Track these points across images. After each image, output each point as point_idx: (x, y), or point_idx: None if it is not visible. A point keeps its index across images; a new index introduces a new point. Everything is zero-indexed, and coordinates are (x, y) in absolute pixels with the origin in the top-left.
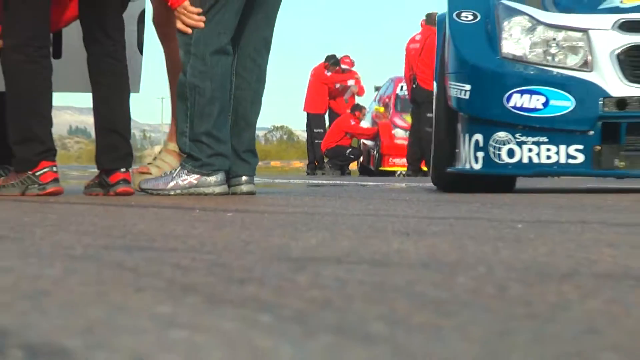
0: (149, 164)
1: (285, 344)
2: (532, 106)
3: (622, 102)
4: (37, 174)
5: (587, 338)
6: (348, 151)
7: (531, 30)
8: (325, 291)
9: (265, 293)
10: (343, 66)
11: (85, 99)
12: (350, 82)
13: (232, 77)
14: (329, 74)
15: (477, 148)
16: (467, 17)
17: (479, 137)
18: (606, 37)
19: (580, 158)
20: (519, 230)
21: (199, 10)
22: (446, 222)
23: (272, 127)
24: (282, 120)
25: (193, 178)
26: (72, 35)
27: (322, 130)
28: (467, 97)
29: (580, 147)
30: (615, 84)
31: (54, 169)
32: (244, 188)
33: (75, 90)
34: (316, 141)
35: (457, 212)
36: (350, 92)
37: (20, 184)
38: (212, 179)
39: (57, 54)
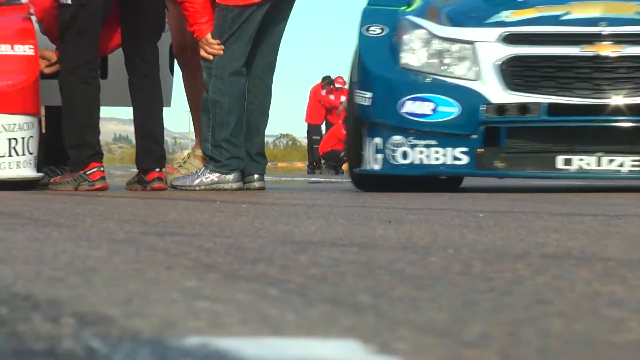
0: (179, 166)
1: (289, 312)
2: (422, 112)
3: (501, 109)
4: (88, 173)
5: (537, 307)
6: (342, 154)
7: (428, 42)
8: (322, 269)
9: (272, 270)
10: (337, 85)
11: (127, 112)
12: (343, 99)
13: (246, 94)
14: (324, 92)
15: (376, 150)
16: (375, 30)
17: (378, 140)
18: (490, 49)
19: (465, 160)
20: (480, 219)
21: (218, 41)
22: (421, 212)
23: (279, 135)
24: (287, 129)
25: (214, 176)
26: (116, 59)
27: (319, 137)
28: (368, 104)
29: (465, 149)
30: (496, 92)
31: (102, 169)
32: (256, 184)
33: (119, 105)
34: (315, 146)
35: (429, 204)
36: (342, 106)
37: (73, 181)
38: (229, 177)
39: (104, 75)
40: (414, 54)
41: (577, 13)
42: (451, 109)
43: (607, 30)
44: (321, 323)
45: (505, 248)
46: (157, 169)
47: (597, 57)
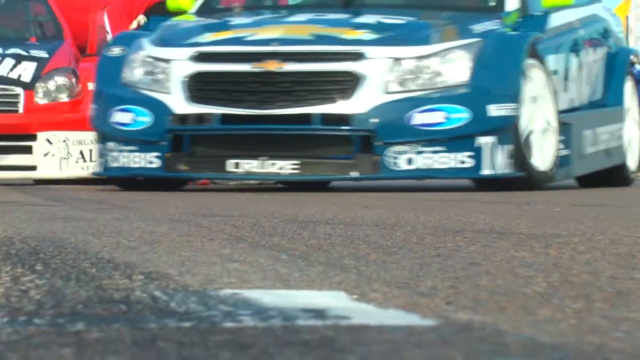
0: None
1: (295, 271)
2: (125, 121)
3: (184, 119)
4: None
5: (470, 267)
6: None
7: (143, 61)
8: (319, 240)
9: (283, 241)
10: None
11: None
12: None
13: None
14: None
15: (99, 155)
16: (115, 51)
17: (100, 146)
18: (181, 66)
19: (157, 163)
20: (429, 204)
21: None
22: (389, 199)
23: None
24: None
25: None
26: None
27: None
28: (93, 114)
29: (157, 154)
30: (181, 104)
31: None
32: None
33: None
34: None
35: (395, 194)
36: None
37: None
38: None
39: None
40: (133, 71)
41: (261, 35)
42: (145, 119)
43: (276, 49)
44: (318, 279)
45: (448, 225)
46: None
47: (265, 73)
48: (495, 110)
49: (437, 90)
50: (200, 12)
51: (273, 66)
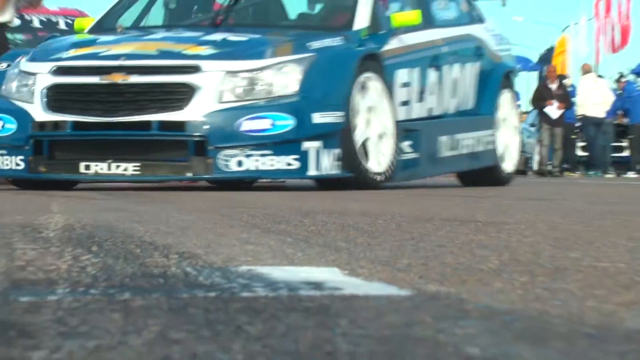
0: None
1: (298, 251)
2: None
3: (42, 125)
4: None
5: (438, 249)
6: None
7: (17, 75)
8: (317, 227)
9: (289, 228)
10: None
11: None
12: None
13: None
14: None
15: None
16: (2, 65)
17: None
18: (44, 79)
19: (22, 165)
20: (403, 198)
21: None
22: (373, 195)
23: None
24: None
25: None
26: None
27: None
28: None
29: (23, 157)
30: (40, 113)
31: None
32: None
33: None
34: None
35: (378, 193)
36: None
37: None
38: None
39: None
40: (9, 83)
41: (113, 50)
42: (12, 126)
43: (123, 63)
44: (316, 258)
45: (419, 215)
46: None
47: (111, 85)
48: (319, 117)
49: (266, 99)
50: (92, 30)
51: (119, 78)
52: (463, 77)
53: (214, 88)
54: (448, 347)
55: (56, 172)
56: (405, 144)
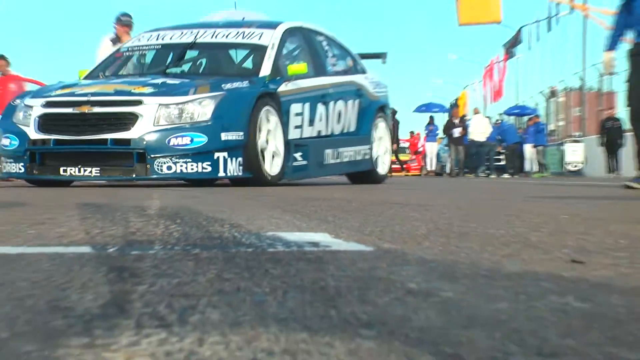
0: None
1: (303, 222)
2: (6, 144)
3: (35, 142)
4: None
5: (390, 221)
6: None
7: (22, 108)
8: (315, 208)
9: (298, 208)
10: None
11: None
12: None
13: None
14: None
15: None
16: (16, 102)
17: None
18: (37, 109)
19: (22, 170)
20: (370, 191)
21: None
22: (359, 188)
23: None
24: None
25: None
26: None
27: None
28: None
29: (22, 164)
30: (34, 133)
31: None
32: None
33: None
34: None
35: (366, 188)
36: None
37: None
38: None
39: None
40: (17, 113)
41: (85, 90)
42: (16, 142)
43: (89, 99)
44: (315, 227)
45: (377, 200)
46: None
47: (81, 114)
48: (225, 136)
49: (189, 123)
50: (86, 77)
51: (86, 109)
52: (346, 109)
53: (152, 115)
54: (397, 283)
55: (44, 174)
56: (297, 155)
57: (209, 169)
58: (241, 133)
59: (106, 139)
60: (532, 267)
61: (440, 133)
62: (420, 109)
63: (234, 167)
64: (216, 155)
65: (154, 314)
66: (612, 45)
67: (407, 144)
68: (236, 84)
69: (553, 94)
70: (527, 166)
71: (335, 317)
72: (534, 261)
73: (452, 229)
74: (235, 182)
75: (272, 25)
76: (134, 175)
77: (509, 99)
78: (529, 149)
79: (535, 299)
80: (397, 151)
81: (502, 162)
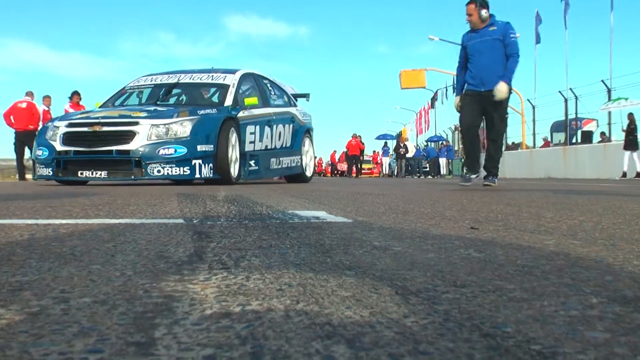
0: None
1: (310, 204)
2: (41, 154)
3: (61, 152)
4: None
5: (363, 204)
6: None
7: (52, 128)
8: (316, 195)
9: (306, 195)
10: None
11: None
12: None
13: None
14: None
15: (33, 169)
16: (48, 124)
17: (34, 165)
18: (62, 128)
19: (51, 173)
20: (354, 185)
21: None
22: (348, 182)
23: None
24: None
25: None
26: None
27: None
28: (33, 152)
29: (51, 169)
30: (60, 145)
31: None
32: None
33: None
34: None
35: (361, 183)
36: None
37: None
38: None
39: None
40: (48, 132)
41: (97, 115)
42: (46, 153)
43: (100, 120)
44: (316, 207)
45: (355, 192)
46: None
47: (94, 132)
48: (200, 147)
49: (173, 139)
50: (101, 106)
51: (97, 128)
52: (285, 131)
53: (146, 133)
54: (367, 242)
55: (66, 176)
56: (252, 162)
57: (189, 172)
58: (212, 146)
59: (112, 150)
60: (447, 232)
61: (390, 151)
62: (379, 137)
63: (206, 171)
64: (193, 162)
65: (220, 261)
66: (459, 92)
67: (371, 158)
68: (208, 111)
69: (456, 128)
70: (442, 171)
71: (329, 263)
72: (449, 228)
73: (399, 208)
74: (207, 181)
75: (232, 71)
76: (132, 177)
77: (431, 131)
78: (443, 161)
79: (450, 251)
80: (363, 162)
81: (427, 169)
